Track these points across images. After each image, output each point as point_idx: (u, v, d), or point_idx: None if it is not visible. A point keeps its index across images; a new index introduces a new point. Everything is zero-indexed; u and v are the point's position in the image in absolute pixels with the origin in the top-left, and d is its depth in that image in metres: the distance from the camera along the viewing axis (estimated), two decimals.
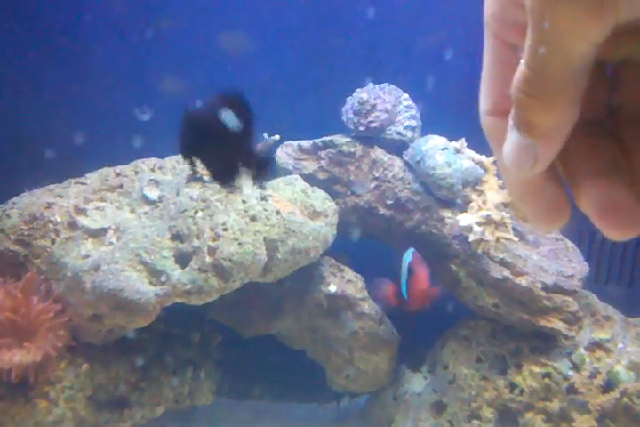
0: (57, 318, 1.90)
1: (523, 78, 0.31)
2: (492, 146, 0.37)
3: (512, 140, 0.33)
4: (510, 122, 0.33)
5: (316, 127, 2.53)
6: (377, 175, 2.29)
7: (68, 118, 2.77)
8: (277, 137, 2.06)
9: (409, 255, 1.99)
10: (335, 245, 2.25)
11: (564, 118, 0.31)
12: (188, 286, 1.88)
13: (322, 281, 2.32)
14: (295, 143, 2.41)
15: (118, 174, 2.22)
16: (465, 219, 2.10)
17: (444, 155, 2.13)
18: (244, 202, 2.00)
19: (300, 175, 2.34)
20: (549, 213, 0.36)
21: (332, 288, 2.30)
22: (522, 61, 0.31)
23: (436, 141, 2.20)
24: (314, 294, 2.31)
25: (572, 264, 2.32)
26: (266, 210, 2.02)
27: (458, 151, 2.26)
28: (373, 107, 2.24)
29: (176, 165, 2.22)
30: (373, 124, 2.24)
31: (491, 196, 2.21)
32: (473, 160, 2.29)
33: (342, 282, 2.33)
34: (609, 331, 2.30)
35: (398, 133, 2.27)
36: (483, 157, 2.31)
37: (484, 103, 0.37)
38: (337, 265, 2.37)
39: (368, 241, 2.47)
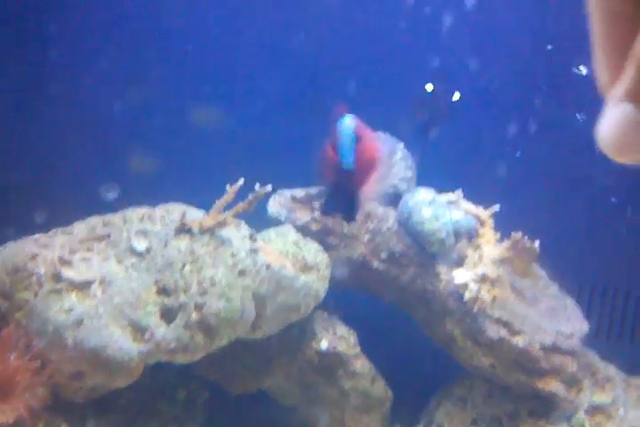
0: (35, 376, 1.82)
1: None
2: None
3: (621, 115, 0.27)
4: (619, 95, 0.27)
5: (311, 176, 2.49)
6: (371, 228, 2.24)
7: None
8: (269, 188, 2.01)
9: (347, 120, 1.58)
10: (328, 297, 2.19)
11: None
12: (173, 344, 1.81)
13: (313, 337, 2.25)
14: (288, 193, 2.37)
15: (106, 224, 2.17)
16: (460, 276, 2.04)
17: (430, 209, 2.08)
18: (233, 255, 1.94)
19: (293, 226, 2.29)
20: None
21: (324, 345, 2.23)
22: None
23: (422, 195, 2.16)
24: (305, 351, 2.24)
25: (571, 323, 2.25)
26: (255, 264, 1.96)
27: (452, 203, 2.22)
28: None
29: (165, 214, 2.17)
30: None
31: (487, 250, 2.16)
32: (469, 213, 2.24)
33: (334, 338, 2.26)
34: (610, 393, 2.22)
35: (393, 186, 2.23)
36: (480, 210, 2.27)
37: (607, 72, 0.30)
38: (329, 320, 2.30)
39: (362, 294, 2.41)
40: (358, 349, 2.25)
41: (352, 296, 2.37)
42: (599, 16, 0.30)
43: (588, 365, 2.32)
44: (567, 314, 2.28)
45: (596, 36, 0.31)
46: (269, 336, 2.07)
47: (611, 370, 2.35)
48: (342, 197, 1.72)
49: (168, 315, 1.87)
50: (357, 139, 1.55)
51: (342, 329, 2.27)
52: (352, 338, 2.27)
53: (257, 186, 2.02)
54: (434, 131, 2.62)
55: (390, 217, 2.24)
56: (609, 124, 0.28)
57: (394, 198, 2.29)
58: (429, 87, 2.63)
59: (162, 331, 1.82)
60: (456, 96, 2.63)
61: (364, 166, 1.57)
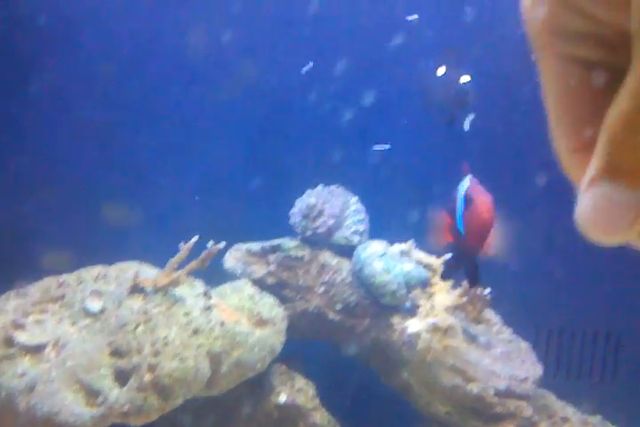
0: None
1: (633, 115, 0.25)
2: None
3: (602, 195, 0.26)
4: (595, 173, 0.26)
5: (268, 228, 2.53)
6: (326, 279, 2.27)
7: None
8: (222, 245, 2.05)
9: (465, 182, 1.60)
10: (287, 349, 2.21)
11: None
12: (126, 407, 1.81)
13: (272, 390, 2.26)
14: (244, 247, 2.40)
15: (61, 284, 2.17)
16: (413, 325, 2.08)
17: (381, 262, 2.13)
18: (186, 314, 1.96)
19: (250, 280, 2.32)
20: None
21: (282, 398, 2.23)
22: (625, 93, 0.26)
23: (374, 248, 2.21)
24: (264, 404, 2.24)
25: (525, 366, 2.29)
26: (209, 321, 1.98)
27: (405, 254, 2.27)
28: (321, 212, 2.25)
29: (120, 273, 2.18)
30: (320, 230, 2.25)
31: (440, 299, 2.21)
32: (421, 262, 2.29)
33: (293, 391, 2.27)
34: None
35: (345, 239, 2.28)
36: (432, 259, 2.32)
37: (565, 139, 0.30)
38: (287, 373, 2.32)
39: (321, 344, 2.43)
40: (317, 401, 2.26)
41: (310, 347, 2.39)
42: (558, 88, 0.30)
43: (546, 406, 2.35)
44: (521, 358, 2.32)
45: (554, 108, 0.30)
46: (228, 391, 2.08)
47: (568, 411, 2.38)
48: (462, 260, 1.70)
49: (121, 377, 1.88)
50: (469, 201, 1.53)
51: (301, 382, 2.28)
52: (311, 390, 2.28)
53: (210, 243, 2.05)
54: (458, 118, 2.57)
55: (344, 269, 2.28)
56: (589, 208, 0.26)
57: (347, 251, 2.34)
58: (441, 71, 2.56)
59: (115, 394, 1.82)
60: (466, 78, 2.52)
61: (477, 229, 1.52)
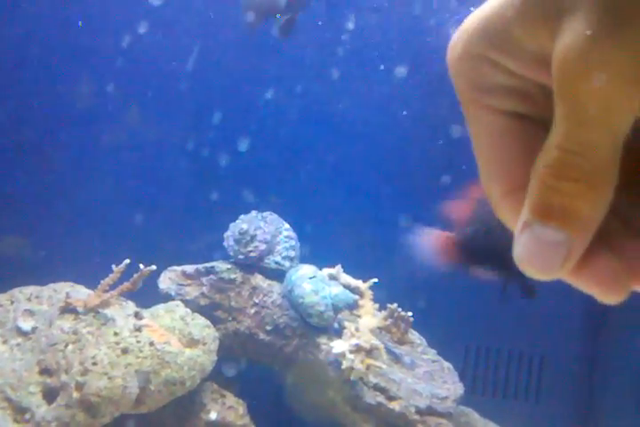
0: None
1: (559, 163, 0.27)
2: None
3: (535, 237, 0.27)
4: (527, 217, 0.28)
5: (203, 250, 2.60)
6: (257, 301, 2.35)
7: None
8: (153, 267, 2.12)
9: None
10: (218, 368, 2.28)
11: (607, 202, 0.27)
12: (53, 424, 1.85)
13: (202, 408, 2.31)
14: (179, 268, 2.47)
15: None
16: (338, 346, 2.16)
17: (311, 283, 2.22)
18: (116, 334, 2.02)
19: (183, 301, 2.38)
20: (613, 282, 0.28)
21: (213, 416, 2.29)
22: (551, 144, 0.27)
23: (304, 271, 2.31)
24: (195, 422, 2.29)
25: (446, 386, 2.39)
26: (139, 342, 2.04)
27: (333, 277, 2.37)
28: (253, 237, 2.34)
29: (53, 293, 2.23)
30: (252, 254, 2.33)
31: (366, 321, 2.30)
32: (349, 285, 2.39)
33: (223, 409, 2.32)
34: None
35: (276, 263, 2.37)
36: (359, 283, 2.43)
37: (497, 185, 0.31)
38: (219, 391, 2.37)
39: (251, 363, 2.50)
40: (247, 419, 2.33)
41: (242, 367, 2.46)
42: (486, 137, 0.31)
43: (468, 423, 2.46)
44: (443, 378, 2.42)
45: (483, 156, 0.31)
46: (158, 409, 2.13)
47: (490, 426, 2.50)
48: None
49: (50, 395, 1.92)
50: None
51: (232, 400, 2.35)
52: (241, 408, 2.34)
53: (141, 266, 2.12)
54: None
55: (275, 292, 2.37)
56: (524, 249, 0.28)
57: (278, 275, 2.42)
58: None
59: (42, 411, 1.86)
60: None
61: None
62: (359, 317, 2.36)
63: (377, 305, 2.41)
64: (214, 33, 2.80)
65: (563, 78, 0.26)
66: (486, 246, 1.42)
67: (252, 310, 2.36)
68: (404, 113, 2.84)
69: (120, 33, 2.75)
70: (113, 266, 2.09)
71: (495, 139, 0.31)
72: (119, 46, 2.75)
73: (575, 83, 0.26)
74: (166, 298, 2.42)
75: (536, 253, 0.27)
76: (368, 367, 2.11)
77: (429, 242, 1.46)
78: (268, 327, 2.34)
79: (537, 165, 0.28)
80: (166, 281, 2.45)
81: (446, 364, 2.51)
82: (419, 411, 2.24)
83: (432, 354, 2.51)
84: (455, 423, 2.36)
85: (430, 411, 2.27)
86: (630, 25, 0.25)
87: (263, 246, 2.34)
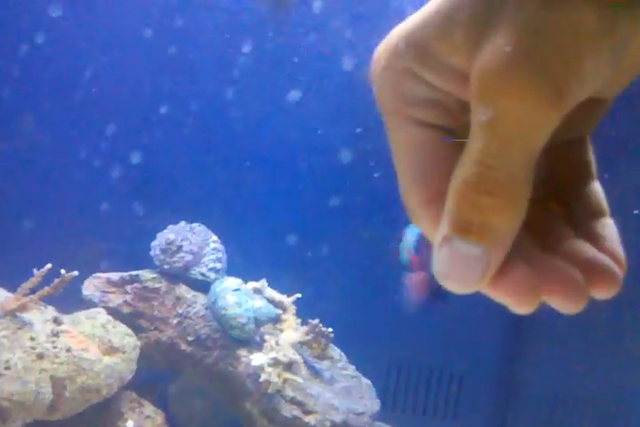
0: None
1: (476, 177, 0.27)
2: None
3: (455, 251, 0.27)
4: (446, 231, 0.28)
5: (132, 257, 2.60)
6: (180, 312, 2.36)
7: None
8: (75, 273, 2.11)
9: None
10: (140, 377, 2.27)
11: (522, 215, 0.28)
12: None
13: (119, 417, 2.30)
14: (104, 276, 2.46)
15: None
16: (257, 359, 2.19)
17: (235, 295, 2.25)
18: (32, 339, 2.00)
19: (106, 308, 2.37)
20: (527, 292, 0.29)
21: (129, 425, 2.28)
22: (468, 158, 0.27)
23: (229, 283, 2.34)
24: None
25: (363, 401, 2.44)
26: (55, 347, 2.02)
27: (258, 291, 2.40)
28: (179, 248, 2.35)
29: None
30: (177, 265, 2.35)
31: (287, 335, 2.34)
32: (274, 300, 2.43)
33: (141, 418, 2.32)
34: None
35: (202, 274, 2.39)
36: (283, 297, 2.46)
37: (416, 194, 0.31)
38: (137, 400, 2.37)
39: (172, 373, 2.50)
40: None
41: (164, 376, 2.46)
42: (405, 148, 0.32)
43: None
44: (361, 393, 2.47)
45: (402, 166, 0.32)
46: (80, 414, 2.11)
47: None
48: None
49: None
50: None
51: (150, 409, 2.34)
52: (159, 418, 2.34)
53: (63, 271, 2.11)
54: None
55: (198, 303, 2.38)
56: (444, 262, 0.28)
57: (203, 286, 2.44)
58: None
59: None
60: None
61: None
62: (281, 331, 2.40)
63: (299, 320, 2.44)
64: (123, 43, 2.81)
65: (481, 94, 0.27)
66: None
67: (175, 320, 2.37)
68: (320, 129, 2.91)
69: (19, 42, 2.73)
70: (34, 270, 2.07)
71: (415, 149, 0.31)
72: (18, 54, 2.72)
73: (492, 98, 0.26)
74: (89, 305, 2.41)
75: (456, 267, 0.27)
76: (285, 381, 2.14)
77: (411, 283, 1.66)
78: (190, 338, 2.35)
79: (454, 179, 0.28)
80: (90, 288, 2.43)
81: (365, 380, 2.56)
82: (334, 425, 2.27)
83: (351, 370, 2.56)
84: None
85: (345, 426, 2.31)
86: (547, 44, 0.26)
87: (189, 257, 2.36)
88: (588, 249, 0.30)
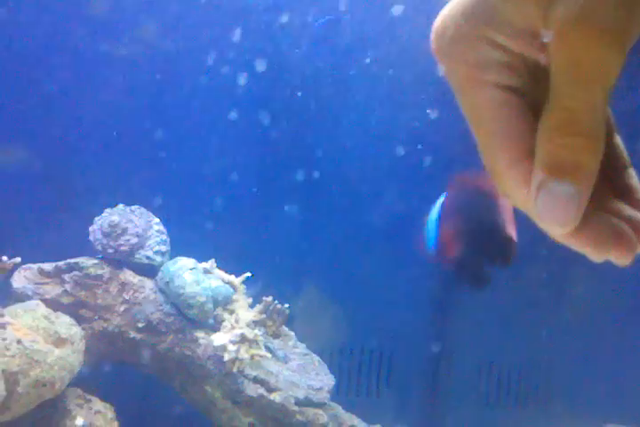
0: None
1: (565, 121, 0.30)
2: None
3: (553, 194, 0.30)
4: (541, 177, 0.30)
5: (60, 248, 2.41)
6: (127, 298, 2.23)
7: None
8: (18, 260, 1.93)
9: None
10: (85, 371, 2.12)
11: (602, 153, 0.30)
12: None
13: (67, 415, 2.13)
14: (35, 266, 2.28)
15: None
16: (219, 338, 2.12)
17: (192, 274, 2.17)
18: None
19: (42, 300, 2.19)
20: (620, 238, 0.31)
21: (79, 422, 2.12)
22: (554, 105, 0.30)
23: (184, 262, 2.24)
24: None
25: (319, 377, 2.42)
26: (4, 339, 1.85)
27: (207, 271, 2.32)
28: (124, 230, 2.22)
29: None
30: (123, 248, 2.22)
31: (242, 314, 2.27)
32: (222, 280, 2.35)
33: (90, 414, 2.16)
34: None
35: (148, 258, 2.27)
36: (232, 277, 2.39)
37: (503, 155, 0.33)
38: (83, 396, 2.21)
39: (121, 364, 2.35)
40: (116, 424, 2.18)
41: (111, 368, 2.31)
42: (488, 111, 0.34)
43: (335, 416, 2.50)
44: (316, 370, 2.45)
45: (487, 130, 0.34)
46: (20, 417, 1.93)
47: (355, 420, 2.55)
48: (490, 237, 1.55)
49: None
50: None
51: (99, 404, 2.19)
52: (109, 413, 2.19)
53: (4, 258, 1.93)
54: None
55: (146, 287, 2.26)
56: (546, 206, 0.30)
57: (149, 269, 2.32)
58: None
59: None
60: None
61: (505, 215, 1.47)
62: (233, 312, 2.33)
63: (250, 299, 2.39)
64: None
65: (562, 42, 0.30)
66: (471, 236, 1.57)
67: (122, 308, 2.24)
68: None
69: None
70: None
71: (497, 112, 0.33)
72: None
73: (573, 45, 0.29)
74: (21, 298, 2.22)
75: (555, 208, 0.30)
76: (252, 358, 2.09)
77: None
78: (140, 324, 2.22)
79: (543, 128, 0.31)
80: (21, 280, 2.24)
81: (316, 357, 2.55)
82: (297, 402, 2.24)
83: (303, 348, 2.54)
84: (327, 414, 2.39)
85: (307, 402, 2.28)
86: None
87: (135, 240, 2.24)
88: (626, 207, 0.33)
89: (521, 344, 3.22)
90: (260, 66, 2.72)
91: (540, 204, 0.30)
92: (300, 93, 2.89)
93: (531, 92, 0.34)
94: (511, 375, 3.27)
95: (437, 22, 0.35)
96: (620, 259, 0.31)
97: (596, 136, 0.30)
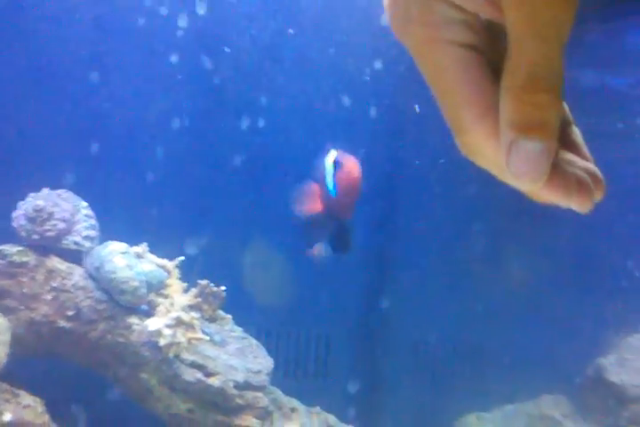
0: None
1: (531, 78, 0.30)
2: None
3: (524, 151, 0.30)
4: (511, 135, 0.30)
5: None
6: (55, 285, 2.14)
7: None
8: None
9: (332, 153, 1.71)
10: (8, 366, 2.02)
11: (562, 106, 0.31)
12: None
13: None
14: None
15: None
16: (154, 323, 2.06)
17: (124, 258, 2.10)
18: None
19: None
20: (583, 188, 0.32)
21: (7, 417, 2.03)
22: (518, 62, 0.30)
23: (115, 246, 2.17)
24: None
25: (258, 360, 2.40)
26: None
27: (139, 256, 2.25)
28: (50, 215, 2.13)
29: None
30: (50, 233, 2.13)
31: (177, 298, 2.22)
32: (156, 264, 2.29)
33: (19, 408, 2.07)
34: (297, 421, 2.40)
35: (76, 243, 2.18)
36: (165, 261, 2.33)
37: (469, 111, 0.33)
38: (10, 390, 2.11)
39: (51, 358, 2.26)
40: (46, 417, 2.10)
41: (39, 361, 2.21)
42: (449, 68, 0.34)
43: (275, 399, 2.48)
44: (254, 353, 2.42)
45: (449, 86, 0.34)
46: None
47: (294, 402, 2.54)
48: (329, 226, 1.75)
49: None
50: (339, 165, 1.64)
51: (27, 398, 2.10)
52: (39, 407, 2.10)
53: None
54: None
55: (75, 274, 2.18)
56: (519, 163, 0.30)
57: (77, 255, 2.24)
58: None
59: None
60: None
61: (349, 190, 1.64)
62: (167, 296, 2.27)
63: (185, 284, 2.33)
64: None
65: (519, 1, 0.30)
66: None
67: (50, 296, 2.14)
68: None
69: None
70: None
71: (459, 69, 0.34)
72: None
73: (531, 3, 0.30)
74: None
75: (527, 164, 0.30)
76: (190, 341, 2.04)
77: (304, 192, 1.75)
78: (70, 313, 2.14)
79: (507, 86, 0.31)
80: None
81: (254, 340, 2.52)
82: (237, 385, 2.21)
83: (240, 331, 2.50)
84: (268, 398, 2.37)
85: (247, 385, 2.25)
86: None
87: (62, 225, 2.14)
88: (578, 159, 0.34)
89: (457, 323, 3.27)
90: (201, 8, 2.64)
91: (512, 162, 0.31)
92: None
93: (487, 49, 0.34)
94: (446, 352, 3.33)
95: None
96: (583, 205, 0.32)
97: (557, 91, 0.30)
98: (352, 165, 1.65)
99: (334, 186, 1.68)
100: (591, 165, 0.34)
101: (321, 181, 1.73)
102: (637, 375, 2.56)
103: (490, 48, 0.34)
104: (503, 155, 0.31)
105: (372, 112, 2.91)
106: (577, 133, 0.36)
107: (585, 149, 0.35)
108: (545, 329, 3.15)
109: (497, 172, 0.33)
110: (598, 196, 0.33)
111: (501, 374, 3.18)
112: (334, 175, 1.67)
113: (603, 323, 3.05)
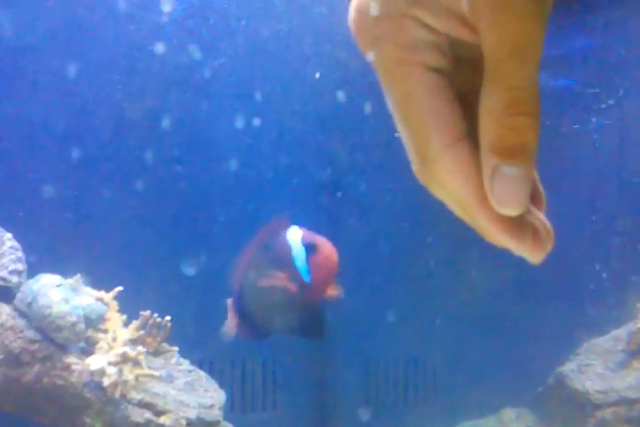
0: None
1: (507, 102, 0.29)
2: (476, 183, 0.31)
3: (507, 177, 0.30)
4: (493, 162, 0.30)
5: None
6: None
7: None
8: None
9: (295, 232, 1.56)
10: None
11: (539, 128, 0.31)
12: None
13: None
14: None
15: None
16: (96, 361, 1.89)
17: (60, 291, 1.92)
18: None
19: None
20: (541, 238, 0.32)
21: None
22: (496, 84, 0.30)
23: (48, 279, 1.99)
24: None
25: (209, 394, 2.25)
26: None
27: (75, 289, 2.07)
28: None
29: None
30: None
31: (118, 333, 2.05)
32: (93, 297, 2.11)
33: None
34: None
35: (2, 279, 1.98)
36: (102, 293, 2.16)
37: (439, 138, 0.32)
38: None
39: None
40: None
41: None
42: (419, 92, 0.32)
43: None
44: (204, 387, 2.27)
45: (418, 112, 0.32)
46: None
47: None
48: (300, 312, 1.64)
49: None
50: (312, 249, 1.52)
51: None
52: None
53: None
54: None
55: (3, 312, 1.98)
56: (502, 192, 0.30)
57: (3, 292, 2.03)
58: None
59: None
60: None
61: (326, 275, 1.54)
62: (107, 331, 2.10)
63: (124, 316, 2.16)
64: None
65: (495, 23, 0.29)
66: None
67: None
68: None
69: None
70: None
71: (431, 94, 0.32)
72: None
73: (502, 25, 0.29)
74: None
75: (509, 191, 0.30)
76: (137, 378, 1.87)
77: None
78: None
79: (487, 109, 0.30)
80: None
81: (202, 373, 2.36)
82: (190, 422, 2.05)
83: (186, 364, 2.34)
84: None
85: (200, 422, 2.09)
86: None
87: None
88: (532, 207, 0.33)
89: (402, 342, 3.20)
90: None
91: (496, 188, 0.30)
92: None
93: (452, 72, 0.33)
94: (396, 369, 3.24)
95: (354, 3, 0.33)
96: (535, 257, 0.31)
97: (536, 113, 0.30)
98: (329, 251, 1.54)
99: (307, 271, 1.55)
100: (543, 217, 0.32)
101: (285, 261, 1.57)
102: (600, 380, 2.53)
103: (454, 71, 0.33)
104: (485, 181, 0.30)
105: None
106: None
107: (538, 183, 0.34)
108: (506, 339, 3.11)
109: (453, 204, 0.32)
110: (548, 248, 0.32)
111: (461, 389, 3.12)
112: (307, 259, 1.54)
113: (567, 329, 3.03)
